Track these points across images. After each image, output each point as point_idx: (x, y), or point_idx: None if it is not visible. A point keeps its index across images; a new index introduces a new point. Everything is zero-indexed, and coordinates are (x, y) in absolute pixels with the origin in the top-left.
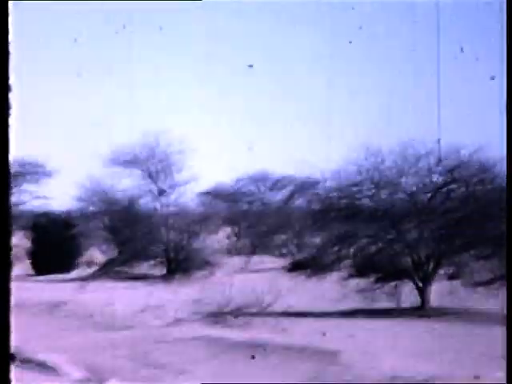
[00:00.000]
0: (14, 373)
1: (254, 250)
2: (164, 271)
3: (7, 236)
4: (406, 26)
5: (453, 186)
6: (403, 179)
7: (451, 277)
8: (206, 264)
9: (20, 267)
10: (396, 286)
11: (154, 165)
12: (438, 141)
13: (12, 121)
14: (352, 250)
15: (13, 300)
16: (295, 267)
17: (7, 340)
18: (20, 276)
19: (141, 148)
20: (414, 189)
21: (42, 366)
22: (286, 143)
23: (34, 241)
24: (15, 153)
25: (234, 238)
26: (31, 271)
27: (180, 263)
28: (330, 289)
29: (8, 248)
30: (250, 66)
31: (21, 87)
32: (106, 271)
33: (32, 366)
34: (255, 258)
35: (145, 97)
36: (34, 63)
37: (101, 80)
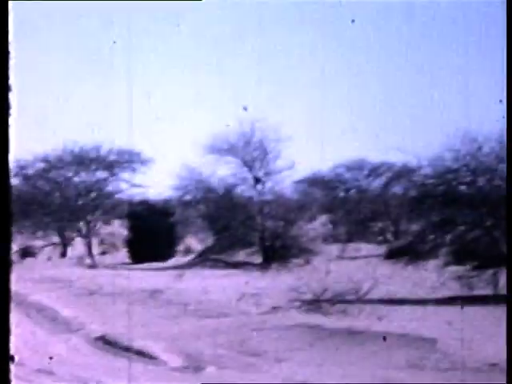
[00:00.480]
0: (113, 359)
1: (350, 238)
2: (260, 259)
3: (7, 236)
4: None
5: None
6: (501, 166)
7: None
8: (302, 252)
9: (118, 256)
10: (495, 273)
11: (249, 153)
12: None
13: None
14: (449, 238)
15: (110, 288)
16: (392, 255)
17: (7, 340)
18: (117, 265)
19: (237, 136)
20: None
21: (140, 354)
22: (381, 130)
23: (131, 229)
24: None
25: (331, 226)
26: (128, 260)
27: (276, 251)
28: (428, 276)
29: (8, 248)
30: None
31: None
32: (203, 259)
33: (130, 354)
34: (352, 246)
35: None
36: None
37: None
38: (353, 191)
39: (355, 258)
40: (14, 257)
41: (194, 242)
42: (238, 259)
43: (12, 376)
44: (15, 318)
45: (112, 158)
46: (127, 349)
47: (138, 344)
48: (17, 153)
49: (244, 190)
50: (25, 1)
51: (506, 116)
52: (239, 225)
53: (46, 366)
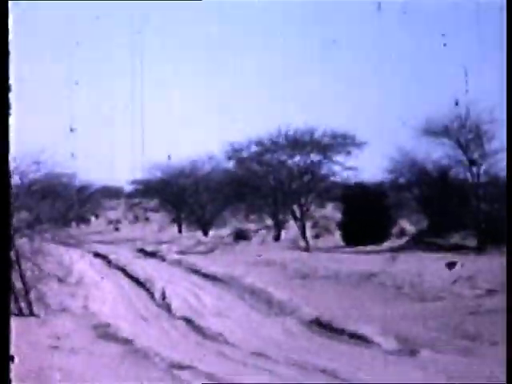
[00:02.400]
0: (327, 342)
1: None
2: (475, 242)
3: (7, 236)
4: None
5: None
6: None
7: None
8: None
9: (331, 239)
10: None
11: (464, 135)
12: None
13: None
14: None
15: (324, 271)
16: None
17: (7, 340)
18: (330, 248)
19: (451, 118)
20: None
21: (354, 337)
22: None
23: (344, 212)
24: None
25: None
26: (342, 243)
27: (491, 234)
28: None
29: (8, 248)
30: None
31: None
32: (417, 242)
33: (344, 337)
34: None
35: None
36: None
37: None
38: None
39: None
40: (229, 240)
41: (408, 225)
42: (453, 242)
43: (225, 358)
44: (230, 300)
45: (326, 140)
46: (341, 332)
47: (351, 327)
48: (230, 136)
49: (459, 173)
50: (25, 1)
51: (506, 116)
52: (454, 208)
53: (260, 348)
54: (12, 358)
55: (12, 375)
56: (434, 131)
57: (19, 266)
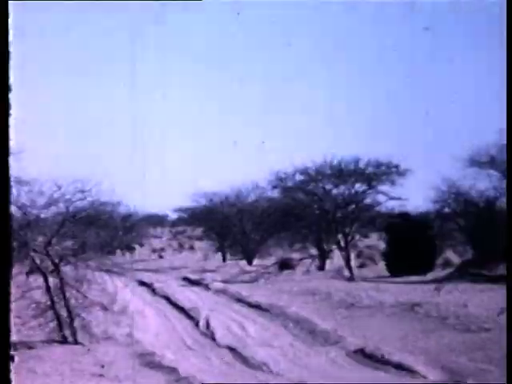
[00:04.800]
0: (371, 372)
1: None
2: None
3: (7, 237)
4: None
5: None
6: None
7: None
8: None
9: (375, 269)
10: None
11: None
12: None
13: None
14: None
15: (368, 301)
16: None
17: (7, 340)
18: (375, 278)
19: (497, 149)
20: None
21: (399, 367)
22: None
23: (389, 242)
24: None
25: None
26: (386, 273)
27: None
28: None
29: (8, 249)
30: None
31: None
32: (462, 273)
33: (388, 368)
34: None
35: None
36: None
37: None
38: None
39: None
40: (273, 269)
41: (453, 256)
42: (498, 273)
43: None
44: (274, 329)
45: (370, 170)
46: (386, 362)
47: (396, 357)
48: (277, 165)
49: (505, 203)
50: (25, 1)
51: (506, 116)
52: (500, 238)
53: (304, 378)
54: (12, 358)
55: (12, 375)
56: (480, 161)
57: (64, 294)
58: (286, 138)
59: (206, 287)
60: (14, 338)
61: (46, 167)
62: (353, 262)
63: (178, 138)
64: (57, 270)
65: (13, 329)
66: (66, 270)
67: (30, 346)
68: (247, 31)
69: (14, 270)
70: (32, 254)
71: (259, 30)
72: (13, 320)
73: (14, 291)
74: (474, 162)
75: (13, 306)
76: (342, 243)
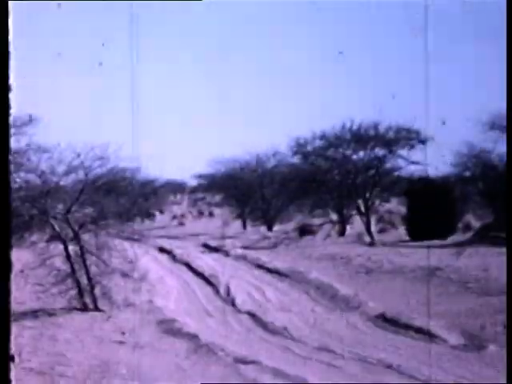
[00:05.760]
0: (393, 337)
1: None
2: None
3: (7, 235)
4: None
5: None
6: None
7: None
8: None
9: (395, 234)
10: None
11: None
12: None
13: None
14: None
15: (389, 266)
16: None
17: (7, 340)
18: (396, 242)
19: None
20: None
21: (420, 332)
22: None
23: (409, 207)
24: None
25: None
26: (407, 237)
27: None
28: None
29: (8, 247)
30: None
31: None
32: (482, 236)
33: (410, 333)
34: None
35: None
36: None
37: None
38: None
39: None
40: (293, 234)
41: (473, 219)
42: None
43: (290, 352)
44: (294, 295)
45: (390, 135)
46: (407, 327)
47: (417, 322)
48: (296, 130)
49: None
50: (25, 1)
51: (506, 116)
52: None
53: (325, 343)
54: (12, 358)
55: (11, 375)
56: (499, 125)
57: (84, 261)
58: (305, 103)
59: (226, 253)
60: (34, 305)
61: (66, 134)
62: (373, 227)
63: (197, 104)
64: (77, 237)
65: (33, 296)
66: (86, 237)
67: (50, 313)
68: None
69: (34, 238)
70: (52, 221)
71: None
72: (33, 287)
73: (35, 259)
74: (495, 125)
75: (33, 273)
76: (362, 208)
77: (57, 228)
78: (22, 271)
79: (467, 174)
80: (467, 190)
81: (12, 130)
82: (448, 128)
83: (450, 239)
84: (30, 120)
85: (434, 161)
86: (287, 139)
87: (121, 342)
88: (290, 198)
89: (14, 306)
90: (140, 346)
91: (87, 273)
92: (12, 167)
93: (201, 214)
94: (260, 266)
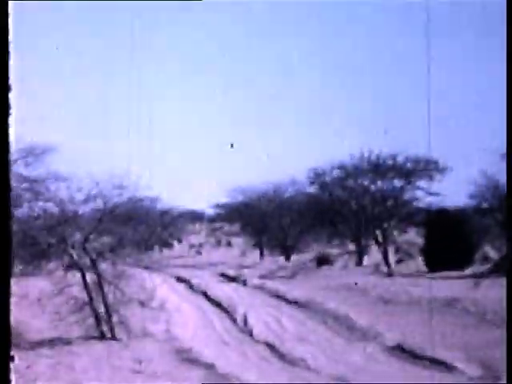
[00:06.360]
0: (410, 368)
1: None
2: None
3: (7, 237)
4: None
5: None
6: None
7: None
8: None
9: (413, 264)
10: None
11: None
12: None
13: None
14: None
15: (406, 297)
16: None
17: (7, 340)
18: (413, 273)
19: None
20: None
21: (437, 363)
22: None
23: (427, 238)
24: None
25: None
26: (424, 268)
27: None
28: None
29: (8, 249)
30: None
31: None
32: (500, 268)
33: (426, 364)
34: None
35: None
36: None
37: None
38: None
39: None
40: (311, 264)
41: (492, 251)
42: None
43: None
44: (312, 325)
45: (409, 166)
46: (424, 358)
47: (434, 353)
48: (313, 160)
49: None
50: (25, 1)
51: (506, 116)
52: None
53: (342, 374)
54: (12, 358)
55: (12, 375)
56: None
57: (102, 290)
58: (322, 135)
59: (244, 283)
60: (52, 334)
61: (84, 163)
62: (391, 258)
63: (214, 134)
64: (94, 266)
65: (51, 325)
66: (104, 266)
67: (67, 341)
68: None
69: (52, 266)
70: (70, 250)
71: None
72: (51, 316)
73: (52, 287)
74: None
75: (51, 302)
76: (380, 238)
77: (75, 256)
78: (39, 300)
79: (485, 205)
80: (485, 221)
81: (30, 159)
82: (465, 158)
83: (468, 270)
84: (48, 149)
85: (451, 192)
86: (304, 169)
87: (138, 372)
88: (308, 227)
89: (32, 335)
90: (157, 376)
91: (104, 301)
92: (30, 196)
93: (219, 243)
94: (278, 296)
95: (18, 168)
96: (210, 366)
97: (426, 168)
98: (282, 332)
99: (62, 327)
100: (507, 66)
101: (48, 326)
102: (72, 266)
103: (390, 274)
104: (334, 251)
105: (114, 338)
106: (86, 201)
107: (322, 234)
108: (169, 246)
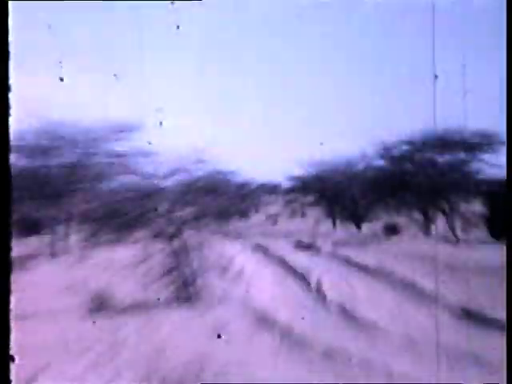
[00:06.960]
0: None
1: None
2: None
3: (7, 236)
4: None
5: None
6: None
7: None
8: None
9: (478, 234)
10: None
11: None
12: None
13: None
14: None
15: (472, 264)
16: None
17: (7, 340)
18: (478, 242)
19: None
20: None
21: (498, 323)
22: None
23: (491, 208)
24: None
25: None
26: (489, 237)
27: None
28: None
29: (8, 248)
30: None
31: None
32: None
33: (493, 326)
34: None
35: None
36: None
37: None
38: None
39: None
40: (380, 233)
41: None
42: None
43: (378, 344)
44: (381, 290)
45: (475, 140)
46: (491, 321)
47: (500, 316)
48: (382, 135)
49: None
50: (25, 1)
51: (506, 116)
52: None
53: (411, 335)
54: (12, 358)
55: (12, 375)
56: None
57: (186, 257)
58: (392, 109)
59: (318, 251)
60: (140, 297)
61: (169, 139)
62: (457, 227)
63: (290, 106)
64: (180, 233)
65: (138, 289)
66: (189, 233)
67: (155, 304)
68: None
69: (139, 235)
70: (156, 219)
71: None
72: (139, 281)
73: (138, 254)
74: None
75: (138, 268)
76: (447, 209)
77: (162, 225)
78: (126, 266)
79: None
80: None
81: (117, 135)
82: None
83: None
84: (136, 126)
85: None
86: (374, 144)
87: (218, 336)
88: (377, 198)
89: (120, 298)
90: (236, 339)
91: (189, 268)
92: (118, 169)
93: (294, 213)
94: (349, 263)
95: (108, 145)
96: (287, 330)
97: (490, 142)
98: (353, 296)
99: (150, 291)
100: (507, 66)
101: (136, 290)
102: (158, 234)
103: (456, 243)
104: (403, 221)
105: (197, 300)
106: (171, 174)
107: (392, 205)
108: (247, 216)
